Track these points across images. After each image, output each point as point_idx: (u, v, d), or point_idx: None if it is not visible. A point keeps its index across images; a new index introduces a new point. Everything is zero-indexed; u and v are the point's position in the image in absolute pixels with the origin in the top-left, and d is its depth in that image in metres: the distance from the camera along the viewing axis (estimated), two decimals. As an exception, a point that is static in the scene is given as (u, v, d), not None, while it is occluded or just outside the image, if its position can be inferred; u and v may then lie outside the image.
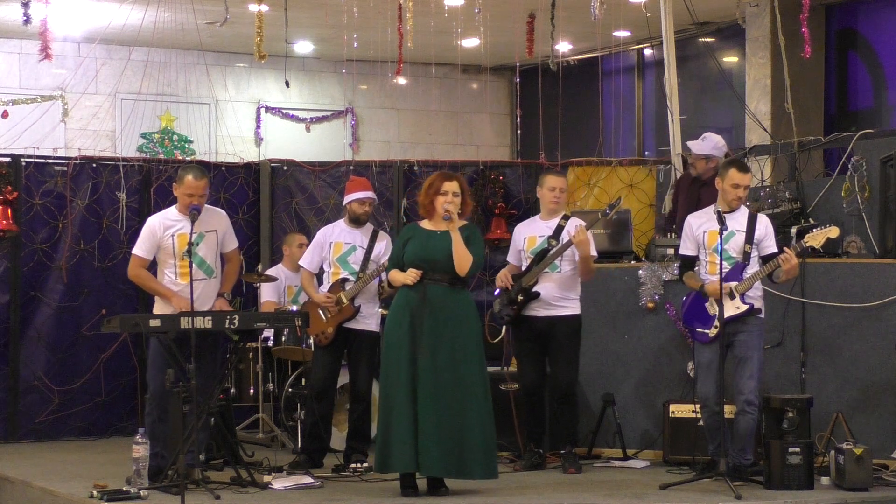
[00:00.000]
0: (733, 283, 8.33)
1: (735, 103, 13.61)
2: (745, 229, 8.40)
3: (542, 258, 8.97)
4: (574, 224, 8.96)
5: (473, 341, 8.03)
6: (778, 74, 12.58)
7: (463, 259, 7.96)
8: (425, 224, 8.18)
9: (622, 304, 9.79)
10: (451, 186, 8.06)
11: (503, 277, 9.09)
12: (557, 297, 8.98)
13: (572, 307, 9.04)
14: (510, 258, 9.28)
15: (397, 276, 8.12)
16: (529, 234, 9.15)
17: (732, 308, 8.33)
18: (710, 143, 10.26)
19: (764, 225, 8.47)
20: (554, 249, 8.93)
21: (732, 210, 8.41)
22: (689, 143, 10.47)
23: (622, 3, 12.39)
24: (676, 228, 9.88)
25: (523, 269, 9.10)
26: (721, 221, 8.26)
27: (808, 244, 8.33)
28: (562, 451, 9.02)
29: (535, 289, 8.96)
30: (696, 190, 10.29)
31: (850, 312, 9.18)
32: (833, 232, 8.39)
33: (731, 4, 12.15)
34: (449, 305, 7.98)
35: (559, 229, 9.02)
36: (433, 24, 13.09)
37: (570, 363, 9.01)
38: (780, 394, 8.77)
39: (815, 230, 8.44)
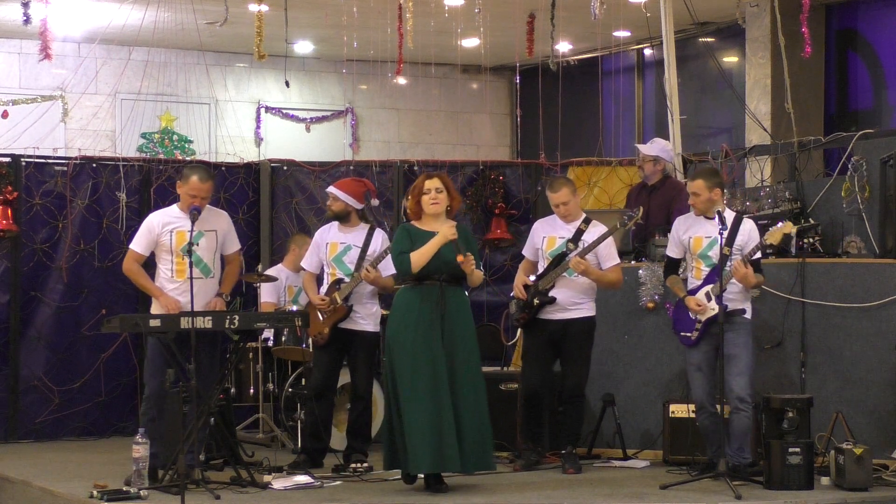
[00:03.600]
0: (709, 287, 8.41)
1: (735, 103, 13.61)
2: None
3: (559, 261, 8.92)
4: (596, 230, 8.88)
5: (475, 338, 8.21)
6: (778, 74, 12.58)
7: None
8: (419, 225, 8.21)
9: (622, 304, 9.79)
10: (433, 184, 8.16)
11: (519, 289, 9.05)
12: (573, 301, 8.95)
13: (587, 309, 9.01)
14: (526, 252, 9.20)
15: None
16: (549, 235, 9.05)
17: (709, 310, 8.41)
18: (658, 146, 10.54)
19: (748, 229, 8.50)
20: (572, 254, 8.87)
21: (710, 216, 8.48)
22: (638, 146, 10.82)
23: (622, 3, 12.39)
24: (637, 239, 10.02)
25: (539, 266, 9.08)
26: (721, 221, 8.30)
27: (767, 241, 8.46)
28: (562, 451, 9.02)
29: (551, 293, 8.91)
30: (646, 196, 10.36)
31: (850, 312, 9.18)
32: (787, 227, 8.50)
33: (731, 4, 12.15)
34: (461, 304, 8.15)
35: (579, 233, 8.95)
36: (433, 24, 13.10)
37: (582, 364, 8.99)
38: (780, 394, 8.77)
39: (771, 228, 8.51)
